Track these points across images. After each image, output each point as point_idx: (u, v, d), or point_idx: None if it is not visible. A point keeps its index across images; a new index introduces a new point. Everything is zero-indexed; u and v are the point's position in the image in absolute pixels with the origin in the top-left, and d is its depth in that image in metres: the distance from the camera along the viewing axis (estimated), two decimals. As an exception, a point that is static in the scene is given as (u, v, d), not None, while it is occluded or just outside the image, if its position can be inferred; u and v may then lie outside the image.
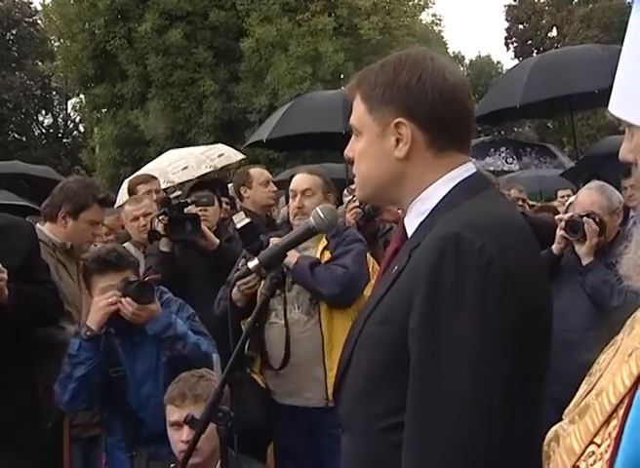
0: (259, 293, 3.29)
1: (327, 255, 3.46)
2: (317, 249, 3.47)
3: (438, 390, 1.29)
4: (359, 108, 1.55)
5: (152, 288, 3.04)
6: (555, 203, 7.04)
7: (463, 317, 1.28)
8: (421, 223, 1.48)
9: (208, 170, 8.44)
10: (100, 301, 2.96)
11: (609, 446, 0.98)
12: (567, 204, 5.66)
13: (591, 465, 1.00)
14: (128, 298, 2.95)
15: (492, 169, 8.98)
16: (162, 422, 2.93)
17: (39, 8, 28.90)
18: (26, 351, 3.24)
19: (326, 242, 3.48)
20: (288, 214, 3.73)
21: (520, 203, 5.91)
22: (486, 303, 1.28)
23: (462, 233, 1.32)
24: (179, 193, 4.71)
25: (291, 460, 3.50)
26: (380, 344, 1.42)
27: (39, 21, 30.07)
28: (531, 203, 6.65)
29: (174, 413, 2.66)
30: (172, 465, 2.94)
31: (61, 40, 23.76)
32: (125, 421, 3.05)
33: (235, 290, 3.32)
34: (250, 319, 1.99)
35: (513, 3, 31.89)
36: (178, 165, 8.82)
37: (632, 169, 1.12)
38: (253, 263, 1.89)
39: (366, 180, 1.57)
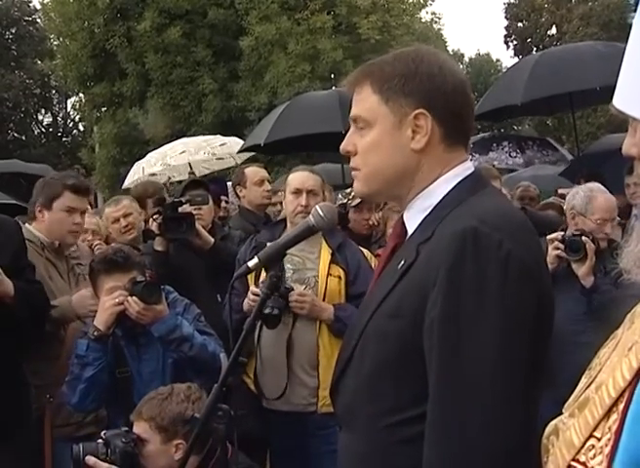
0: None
1: (335, 271, 3.41)
2: (321, 259, 3.43)
3: (462, 380, 1.31)
4: (370, 100, 1.54)
5: (159, 288, 3.04)
6: (552, 199, 7.03)
7: (486, 308, 1.31)
8: (425, 219, 1.49)
9: (205, 156, 8.38)
10: (107, 301, 2.97)
11: (609, 439, 0.98)
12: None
13: (591, 458, 1.01)
14: (134, 298, 2.95)
15: (496, 163, 8.93)
16: None
17: (38, 7, 28.81)
18: (20, 349, 3.23)
19: (330, 251, 3.43)
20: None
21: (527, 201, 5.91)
22: (507, 295, 1.32)
23: (480, 227, 1.35)
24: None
25: (283, 462, 3.50)
26: (390, 337, 1.42)
27: (38, 20, 29.98)
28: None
29: None
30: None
31: (61, 39, 23.71)
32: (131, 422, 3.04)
33: (246, 301, 3.31)
34: (249, 318, 1.98)
35: (513, 1, 31.82)
36: (176, 149, 8.82)
37: (635, 163, 1.13)
38: (253, 262, 1.88)
39: (376, 173, 1.55)
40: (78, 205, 3.54)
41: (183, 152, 8.61)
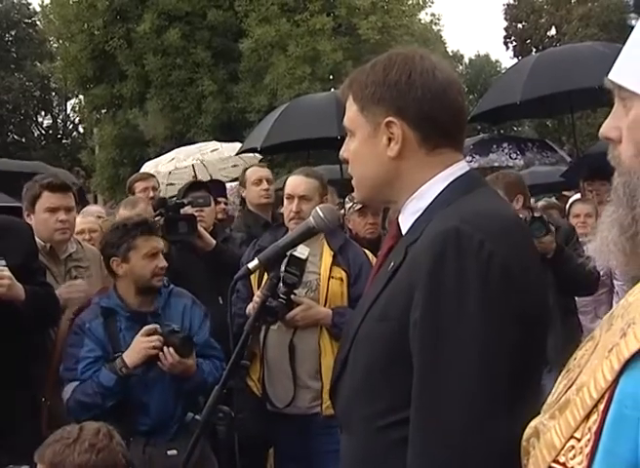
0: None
1: (337, 273, 3.38)
2: (322, 261, 3.40)
3: (443, 381, 1.30)
4: (351, 109, 1.56)
5: (193, 342, 3.06)
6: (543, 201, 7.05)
7: (466, 309, 1.30)
8: (417, 220, 1.49)
9: (192, 162, 8.38)
10: (143, 343, 2.97)
11: (589, 440, 0.98)
12: (570, 201, 5.67)
13: (571, 459, 1.00)
14: (171, 349, 2.96)
15: (496, 165, 8.92)
16: (166, 408, 3.05)
17: (38, 9, 28.91)
18: (27, 351, 3.23)
19: (332, 253, 3.40)
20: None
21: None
22: (488, 295, 1.30)
23: (462, 228, 1.34)
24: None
25: (288, 464, 3.50)
26: (379, 341, 1.42)
27: (38, 22, 30.03)
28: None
29: None
30: (169, 452, 2.97)
31: (60, 41, 23.75)
32: (126, 406, 3.06)
33: (250, 305, 3.30)
34: (250, 319, 1.97)
35: (512, 2, 31.81)
36: (168, 156, 8.90)
37: (610, 147, 1.10)
38: (253, 264, 1.88)
39: (362, 181, 1.58)
40: (59, 203, 3.51)
41: (173, 159, 8.67)
